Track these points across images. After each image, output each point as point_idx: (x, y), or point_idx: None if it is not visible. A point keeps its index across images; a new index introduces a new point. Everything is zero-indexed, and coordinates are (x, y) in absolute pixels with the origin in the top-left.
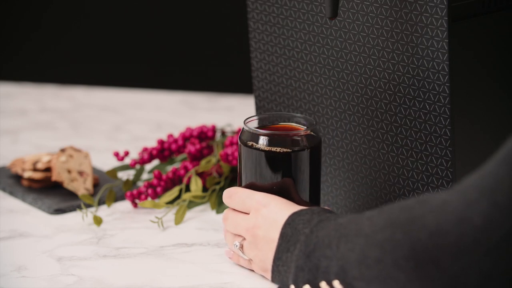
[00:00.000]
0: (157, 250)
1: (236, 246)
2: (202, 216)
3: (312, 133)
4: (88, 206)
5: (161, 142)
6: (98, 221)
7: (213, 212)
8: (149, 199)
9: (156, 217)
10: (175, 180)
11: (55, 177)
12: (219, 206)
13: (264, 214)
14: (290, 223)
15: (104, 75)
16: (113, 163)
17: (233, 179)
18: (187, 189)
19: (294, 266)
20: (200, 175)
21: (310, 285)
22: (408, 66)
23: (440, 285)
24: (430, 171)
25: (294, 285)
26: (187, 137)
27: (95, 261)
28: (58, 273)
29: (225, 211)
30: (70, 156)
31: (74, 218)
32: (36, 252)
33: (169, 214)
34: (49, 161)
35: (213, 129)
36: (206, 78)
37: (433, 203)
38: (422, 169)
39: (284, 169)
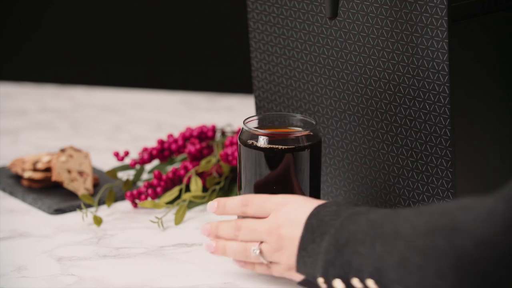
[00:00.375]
0: (157, 250)
1: (255, 252)
2: (202, 216)
3: (312, 133)
4: (88, 206)
5: (161, 142)
6: (98, 221)
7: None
8: (149, 199)
9: (156, 217)
10: (175, 180)
11: (55, 177)
12: None
13: (285, 213)
14: (316, 214)
15: (104, 75)
16: (113, 163)
17: (233, 179)
18: (187, 189)
19: (322, 259)
20: (200, 175)
21: (342, 280)
22: (408, 66)
23: None
24: (430, 171)
25: (324, 279)
26: (187, 137)
27: (95, 261)
28: (58, 273)
29: (233, 221)
30: (70, 156)
31: (74, 218)
32: (36, 252)
33: (169, 214)
34: (49, 161)
35: (213, 129)
36: (206, 78)
37: (477, 210)
38: (422, 169)
39: (284, 169)
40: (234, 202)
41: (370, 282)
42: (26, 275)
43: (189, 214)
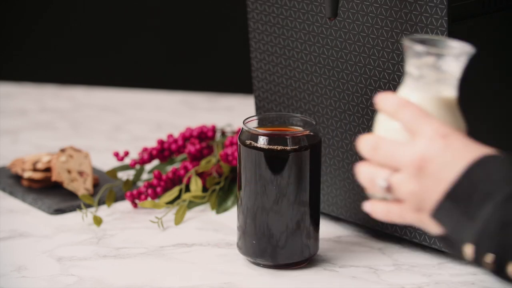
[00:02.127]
0: (157, 250)
1: (382, 184)
2: (202, 216)
3: (312, 133)
4: (88, 206)
5: (161, 142)
6: (98, 221)
7: (213, 212)
8: (149, 199)
9: (156, 217)
10: (175, 180)
11: (55, 177)
12: (219, 206)
13: (441, 145)
14: (482, 164)
15: (104, 75)
16: (113, 163)
17: (233, 179)
18: (187, 189)
19: (479, 227)
20: (200, 175)
21: (495, 257)
22: None
23: None
24: None
25: (475, 246)
26: (187, 137)
27: (95, 261)
28: (58, 273)
29: (373, 137)
30: (70, 156)
31: (74, 218)
32: (36, 252)
33: (169, 214)
34: (49, 161)
35: (213, 129)
36: (206, 78)
37: None
38: None
39: (283, 169)
40: (364, 140)
41: None
42: (26, 275)
43: (189, 214)
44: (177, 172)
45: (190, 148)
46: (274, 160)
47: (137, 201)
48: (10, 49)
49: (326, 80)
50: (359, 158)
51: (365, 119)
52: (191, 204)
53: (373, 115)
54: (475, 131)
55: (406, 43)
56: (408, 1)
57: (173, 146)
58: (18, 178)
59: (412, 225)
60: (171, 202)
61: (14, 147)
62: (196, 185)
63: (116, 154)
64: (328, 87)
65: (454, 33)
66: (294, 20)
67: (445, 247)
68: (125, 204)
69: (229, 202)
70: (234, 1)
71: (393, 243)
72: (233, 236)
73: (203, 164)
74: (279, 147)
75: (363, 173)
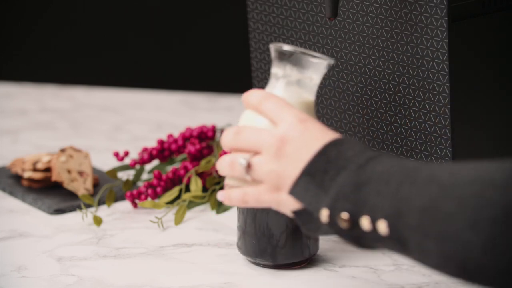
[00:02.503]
0: (157, 250)
1: (243, 164)
2: (202, 216)
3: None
4: (88, 206)
5: (161, 142)
6: (98, 221)
7: (213, 212)
8: (149, 199)
9: (156, 217)
10: (175, 180)
11: (55, 177)
12: (219, 206)
13: (300, 128)
14: (336, 144)
15: (104, 75)
16: (113, 163)
17: None
18: (187, 189)
19: (334, 192)
20: (200, 175)
21: (350, 215)
22: (408, 66)
23: None
24: None
25: (330, 210)
26: (187, 137)
27: (95, 261)
28: (58, 273)
29: (235, 127)
30: (70, 156)
31: (74, 218)
32: (36, 252)
33: (169, 214)
34: (49, 161)
35: (213, 129)
36: (206, 78)
37: None
38: None
39: None
40: (226, 133)
41: (381, 225)
42: (26, 275)
43: (189, 214)
44: (177, 172)
45: (190, 148)
46: None
47: (137, 201)
48: (10, 49)
49: (326, 80)
50: None
51: (365, 119)
52: (191, 204)
53: (373, 115)
54: (475, 131)
55: (277, 49)
56: (408, 1)
57: (173, 146)
58: (18, 178)
59: (267, 206)
60: (171, 202)
61: (14, 147)
62: (196, 185)
63: (116, 154)
64: (328, 87)
65: (454, 33)
66: (294, 20)
67: (301, 224)
68: (125, 204)
69: None
70: (234, 1)
71: None
72: (233, 236)
73: (203, 164)
74: None
75: (224, 161)
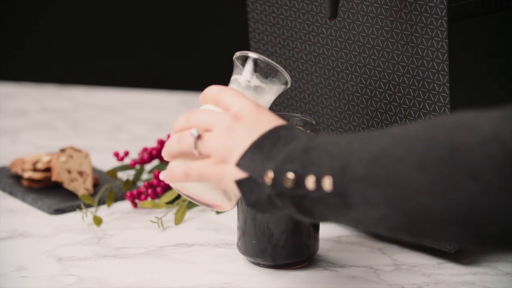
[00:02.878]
0: (157, 250)
1: (194, 134)
2: (202, 216)
3: (312, 133)
4: (88, 206)
5: (161, 142)
6: (98, 221)
7: (213, 212)
8: (149, 199)
9: (156, 217)
10: None
11: (55, 177)
12: None
13: (254, 111)
14: (287, 128)
15: (104, 75)
16: (113, 163)
17: None
18: None
19: (281, 157)
20: None
21: (295, 175)
22: (408, 66)
23: (462, 201)
24: None
25: (274, 172)
26: None
27: (95, 261)
28: (58, 273)
29: (191, 110)
30: (70, 156)
31: (74, 218)
32: (36, 252)
33: (169, 214)
34: (49, 161)
35: None
36: (206, 78)
37: (495, 114)
38: None
39: None
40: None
41: (326, 181)
42: (26, 275)
43: (189, 214)
44: None
45: None
46: None
47: (137, 201)
48: (10, 49)
49: (326, 80)
50: None
51: (365, 119)
52: (191, 204)
53: (373, 115)
54: None
55: (243, 54)
56: (408, 1)
57: None
58: (18, 178)
59: (209, 180)
60: (171, 202)
61: (14, 147)
62: None
63: (116, 154)
64: (328, 87)
65: (454, 33)
66: (294, 20)
67: (242, 194)
68: (125, 204)
69: None
70: (234, 1)
71: (393, 243)
72: (233, 236)
73: None
74: None
75: (172, 138)
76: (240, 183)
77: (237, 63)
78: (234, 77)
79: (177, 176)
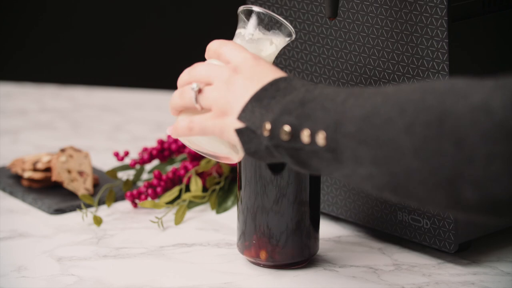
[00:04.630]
0: (157, 250)
1: (194, 88)
2: (202, 216)
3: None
4: (88, 206)
5: (161, 142)
6: (98, 221)
7: (213, 212)
8: (149, 199)
9: (156, 217)
10: (175, 180)
11: (55, 177)
12: (219, 206)
13: (252, 63)
14: (287, 79)
15: (104, 75)
16: (113, 163)
17: (233, 179)
18: (187, 189)
19: (279, 108)
20: (200, 175)
21: (291, 128)
22: (408, 66)
23: (446, 166)
24: None
25: (271, 124)
26: None
27: (95, 261)
28: (58, 273)
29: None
30: (70, 156)
31: (74, 218)
32: (36, 252)
33: (169, 214)
34: (49, 161)
35: None
36: None
37: (488, 83)
38: None
39: (284, 169)
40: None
41: (320, 136)
42: (26, 275)
43: (189, 214)
44: (177, 172)
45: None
46: None
47: (137, 201)
48: (10, 49)
49: (326, 80)
50: None
51: None
52: (191, 204)
53: None
54: None
55: (246, 8)
56: (408, 1)
57: (173, 146)
58: (18, 178)
59: (211, 133)
60: (171, 202)
61: (14, 147)
62: (196, 185)
63: (116, 154)
64: None
65: (454, 33)
66: (294, 20)
67: (241, 144)
68: (125, 204)
69: (229, 202)
70: (234, 1)
71: (393, 243)
72: (233, 236)
73: (203, 164)
74: None
75: (176, 93)
76: (239, 132)
77: (241, 17)
78: (238, 31)
79: (181, 130)
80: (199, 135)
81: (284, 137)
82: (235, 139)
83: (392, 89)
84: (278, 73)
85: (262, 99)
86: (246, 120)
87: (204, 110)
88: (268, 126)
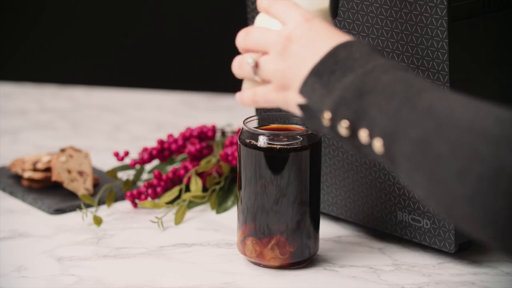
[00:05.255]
0: (157, 250)
1: (250, 62)
2: (202, 216)
3: (312, 133)
4: (88, 206)
5: (161, 142)
6: (98, 221)
7: (213, 212)
8: (149, 199)
9: (156, 217)
10: (175, 180)
11: (55, 177)
12: (219, 206)
13: (305, 27)
14: (346, 47)
15: (104, 75)
16: (113, 163)
17: (233, 179)
18: (187, 189)
19: (338, 95)
20: (200, 175)
21: (350, 123)
22: (408, 66)
23: (500, 224)
24: None
25: (332, 113)
26: (187, 137)
27: (95, 261)
28: (58, 273)
29: (247, 27)
30: (70, 156)
31: (74, 218)
32: (36, 252)
33: (169, 214)
34: (49, 161)
35: (213, 129)
36: (206, 78)
37: None
38: None
39: (284, 169)
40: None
41: (377, 142)
42: (26, 275)
43: (189, 214)
44: (177, 172)
45: (190, 148)
46: (274, 160)
47: (137, 201)
48: (10, 49)
49: None
50: (359, 157)
51: None
52: (191, 204)
53: None
54: None
55: None
56: (408, 1)
57: (173, 146)
58: (18, 178)
59: (276, 105)
60: (171, 202)
61: (14, 147)
62: (196, 185)
63: (116, 154)
64: None
65: (454, 33)
66: None
67: (305, 119)
68: (125, 204)
69: (229, 202)
70: (234, 1)
71: (393, 243)
72: (233, 236)
73: (203, 164)
74: (279, 147)
75: (235, 61)
76: (302, 108)
77: None
78: None
79: (246, 101)
80: (264, 106)
81: (343, 132)
82: (298, 113)
83: (445, 114)
84: (334, 37)
85: (321, 74)
86: (307, 96)
87: (264, 81)
88: (327, 115)
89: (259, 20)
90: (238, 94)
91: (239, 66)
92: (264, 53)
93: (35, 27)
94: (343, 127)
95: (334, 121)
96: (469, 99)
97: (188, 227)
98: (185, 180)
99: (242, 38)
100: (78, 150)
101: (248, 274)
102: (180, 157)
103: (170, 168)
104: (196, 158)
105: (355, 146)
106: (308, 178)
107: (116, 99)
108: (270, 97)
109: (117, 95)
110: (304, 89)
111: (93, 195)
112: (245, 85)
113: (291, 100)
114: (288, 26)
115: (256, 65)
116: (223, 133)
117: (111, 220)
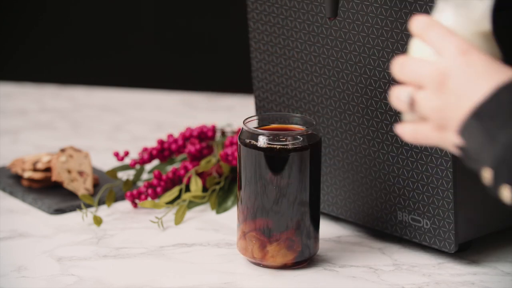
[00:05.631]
0: (157, 250)
1: (404, 99)
2: (202, 216)
3: (312, 133)
4: (88, 206)
5: (161, 142)
6: (98, 221)
7: (213, 212)
8: (149, 199)
9: (156, 217)
10: (175, 180)
11: (55, 177)
12: (219, 206)
13: (461, 62)
14: (510, 87)
15: (104, 75)
16: (113, 163)
17: (233, 179)
18: (187, 189)
19: (501, 151)
20: (200, 175)
21: (511, 191)
22: None
23: None
24: (430, 171)
25: (494, 173)
26: (187, 137)
27: (95, 261)
28: (58, 273)
29: (402, 57)
30: (70, 156)
31: (74, 218)
32: (36, 252)
33: (169, 214)
34: (49, 161)
35: (213, 129)
36: (206, 78)
37: None
38: (422, 169)
39: (283, 169)
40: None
41: None
42: (26, 275)
43: (189, 214)
44: (177, 172)
45: (190, 148)
46: (274, 160)
47: (137, 201)
48: (10, 49)
49: (326, 80)
50: (359, 157)
51: (365, 119)
52: (191, 204)
53: (373, 115)
54: None
55: None
56: (408, 1)
57: (173, 146)
58: (18, 178)
59: (433, 143)
60: (171, 202)
61: (14, 147)
62: (196, 185)
63: (116, 154)
64: (328, 87)
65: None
66: (294, 20)
67: (464, 159)
68: (125, 204)
69: (229, 202)
70: (234, 1)
71: (393, 243)
72: (233, 236)
73: (203, 164)
74: (279, 147)
75: (393, 93)
76: (460, 149)
77: None
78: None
79: (407, 137)
80: (425, 144)
81: (505, 196)
82: (457, 154)
83: None
84: (493, 74)
85: (482, 117)
86: (465, 139)
87: (422, 116)
88: (488, 174)
89: (414, 48)
90: (399, 127)
91: (397, 100)
92: (420, 87)
93: (35, 27)
94: (503, 193)
95: (496, 183)
96: None
97: (188, 227)
98: (185, 180)
99: (398, 69)
100: (78, 150)
101: (248, 274)
102: (180, 157)
103: (170, 168)
104: (196, 158)
105: None
106: (308, 178)
107: (116, 99)
108: (430, 136)
109: (117, 95)
110: (463, 132)
111: (93, 195)
112: (405, 118)
113: (450, 141)
114: (444, 60)
115: (412, 102)
116: (223, 133)
117: (111, 220)
